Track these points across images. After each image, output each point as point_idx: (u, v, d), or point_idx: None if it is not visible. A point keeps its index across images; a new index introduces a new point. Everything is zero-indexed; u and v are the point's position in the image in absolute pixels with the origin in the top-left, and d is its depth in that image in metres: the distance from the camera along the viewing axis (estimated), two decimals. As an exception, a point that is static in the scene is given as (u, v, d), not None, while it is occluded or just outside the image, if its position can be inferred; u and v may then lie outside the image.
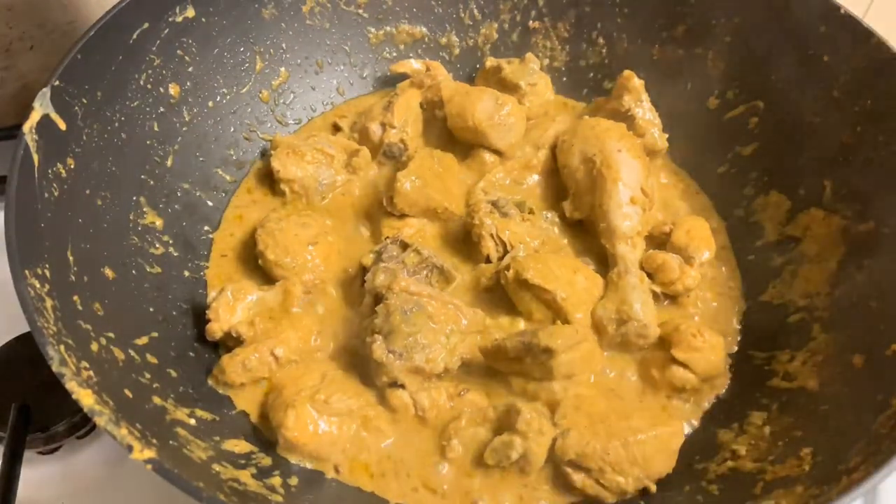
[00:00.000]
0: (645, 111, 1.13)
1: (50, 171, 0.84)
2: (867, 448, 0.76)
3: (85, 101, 0.91)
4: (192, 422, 0.85)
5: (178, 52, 1.06)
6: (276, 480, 0.84)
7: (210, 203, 1.11)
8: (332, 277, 1.03)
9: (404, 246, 0.99)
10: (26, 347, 0.98)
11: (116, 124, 0.97)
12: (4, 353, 1.00)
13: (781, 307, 1.01)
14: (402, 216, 1.07)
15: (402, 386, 0.91)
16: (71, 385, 0.69)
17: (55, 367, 0.70)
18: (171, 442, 0.77)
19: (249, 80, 1.18)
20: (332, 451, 0.88)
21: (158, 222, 1.02)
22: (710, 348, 0.95)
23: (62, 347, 0.72)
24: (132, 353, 0.86)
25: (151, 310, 0.94)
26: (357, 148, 1.14)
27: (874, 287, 0.92)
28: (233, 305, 0.97)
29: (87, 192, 0.90)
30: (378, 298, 0.94)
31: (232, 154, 1.16)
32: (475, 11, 1.27)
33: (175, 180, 1.07)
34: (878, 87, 0.96)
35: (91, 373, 0.74)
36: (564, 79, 1.29)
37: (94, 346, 0.80)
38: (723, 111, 1.15)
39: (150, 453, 0.67)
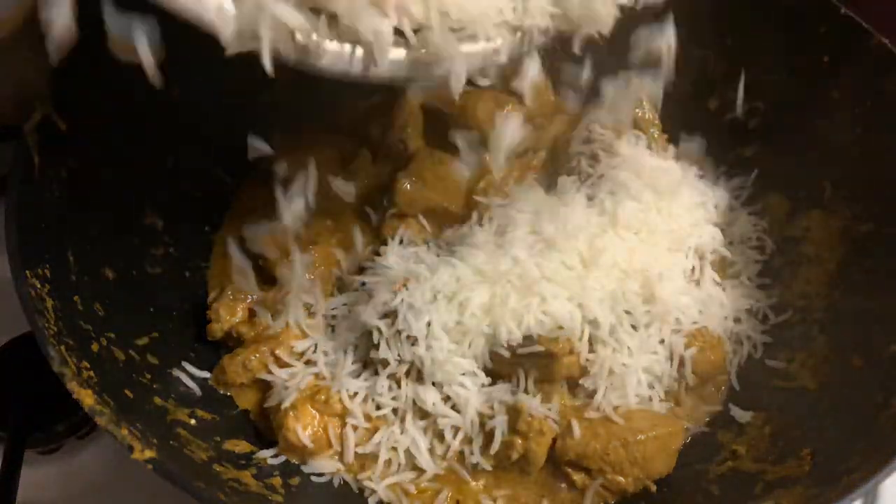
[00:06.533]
0: (645, 111, 1.13)
1: (50, 171, 0.84)
2: (867, 448, 0.76)
3: (85, 101, 0.91)
4: (193, 422, 0.85)
5: (179, 52, 1.06)
6: (276, 480, 0.84)
7: (211, 203, 1.11)
8: (332, 277, 1.03)
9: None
10: (26, 347, 0.98)
11: (117, 125, 0.97)
12: (4, 353, 1.00)
13: (781, 307, 1.01)
14: (402, 216, 1.06)
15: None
16: (71, 385, 0.69)
17: (56, 367, 0.70)
18: (171, 442, 0.77)
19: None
20: (333, 451, 0.88)
21: (159, 223, 1.02)
22: (710, 348, 0.95)
23: (63, 347, 0.72)
24: (132, 353, 0.86)
25: (152, 310, 0.95)
26: (357, 148, 1.14)
27: (874, 287, 0.92)
28: (233, 305, 0.97)
29: (88, 192, 0.90)
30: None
31: (232, 155, 1.16)
32: (475, 12, 1.26)
33: (176, 181, 1.06)
34: (878, 87, 0.96)
35: (91, 373, 0.74)
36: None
37: (95, 347, 0.80)
38: (723, 111, 1.15)
39: (150, 453, 0.67)
